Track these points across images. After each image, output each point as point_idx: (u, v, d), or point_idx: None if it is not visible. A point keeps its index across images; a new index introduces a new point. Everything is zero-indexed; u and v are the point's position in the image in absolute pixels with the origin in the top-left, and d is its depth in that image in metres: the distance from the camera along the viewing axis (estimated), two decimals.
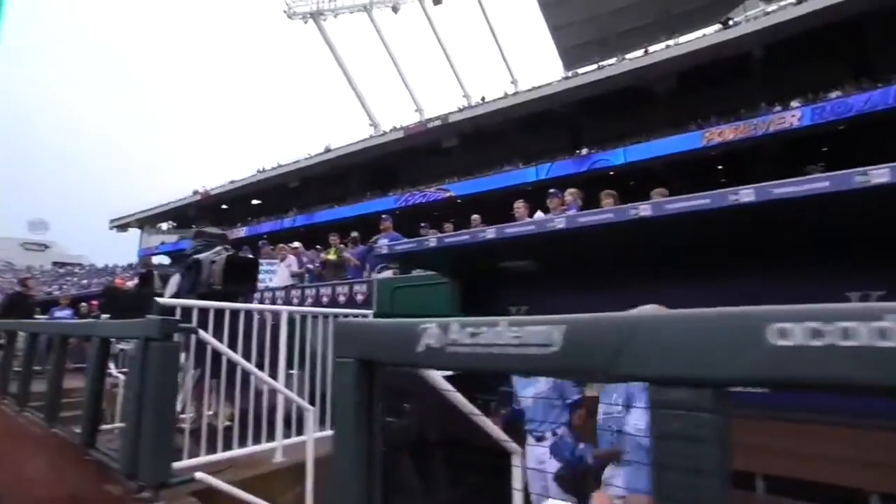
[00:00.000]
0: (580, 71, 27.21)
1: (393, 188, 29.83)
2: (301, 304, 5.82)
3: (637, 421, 1.56)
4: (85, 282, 37.88)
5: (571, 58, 31.78)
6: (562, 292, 3.84)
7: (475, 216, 6.57)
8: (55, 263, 53.20)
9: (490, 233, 2.94)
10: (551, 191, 4.93)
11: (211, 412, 3.29)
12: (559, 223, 2.73)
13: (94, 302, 10.39)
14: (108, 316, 7.57)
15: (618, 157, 22.18)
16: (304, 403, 2.89)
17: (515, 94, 28.36)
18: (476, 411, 1.65)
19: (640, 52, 24.92)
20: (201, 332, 2.56)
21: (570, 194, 4.91)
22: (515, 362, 0.87)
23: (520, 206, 5.22)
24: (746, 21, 21.29)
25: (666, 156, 20.87)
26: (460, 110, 28.90)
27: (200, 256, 3.55)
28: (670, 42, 24.25)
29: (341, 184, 32.53)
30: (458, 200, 25.37)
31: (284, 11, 33.82)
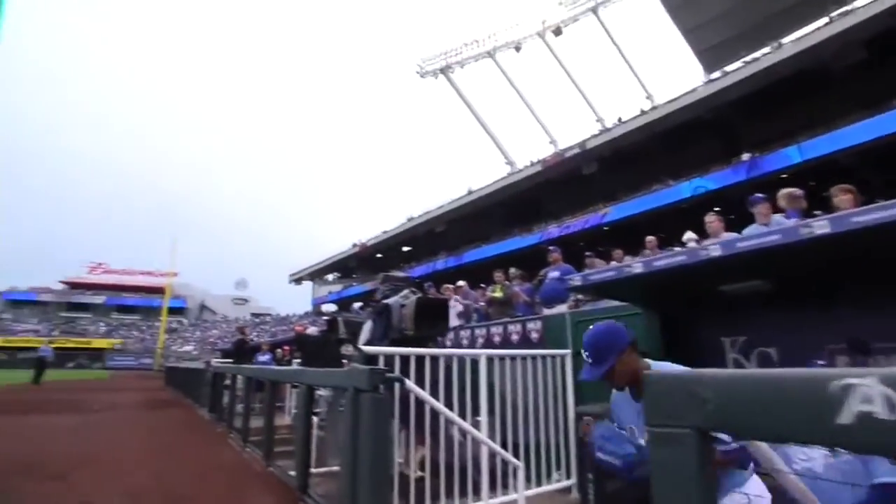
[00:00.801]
0: (728, 69, 24.31)
1: (536, 222, 29.48)
2: (471, 345, 5.71)
3: None
4: (273, 329, 44.07)
5: (710, 59, 28.68)
6: (793, 317, 3.07)
7: (650, 237, 5.88)
8: (253, 314, 63.71)
9: (715, 249, 2.42)
10: (756, 196, 4.12)
11: (403, 461, 3.21)
12: (819, 228, 2.11)
13: (286, 347, 11.78)
14: (299, 361, 8.45)
15: (791, 155, 18.79)
16: (511, 458, 2.62)
17: (654, 108, 26.39)
18: (809, 494, 1.18)
19: (799, 33, 21.32)
20: (407, 382, 2.48)
21: (785, 197, 4.04)
22: None
23: (713, 220, 4.45)
24: None
25: (858, 145, 16.98)
26: (597, 135, 27.80)
27: (390, 301, 3.60)
28: (846, 7, 20.27)
29: (485, 223, 33.25)
30: (606, 227, 23.94)
31: (417, 72, 37.11)
